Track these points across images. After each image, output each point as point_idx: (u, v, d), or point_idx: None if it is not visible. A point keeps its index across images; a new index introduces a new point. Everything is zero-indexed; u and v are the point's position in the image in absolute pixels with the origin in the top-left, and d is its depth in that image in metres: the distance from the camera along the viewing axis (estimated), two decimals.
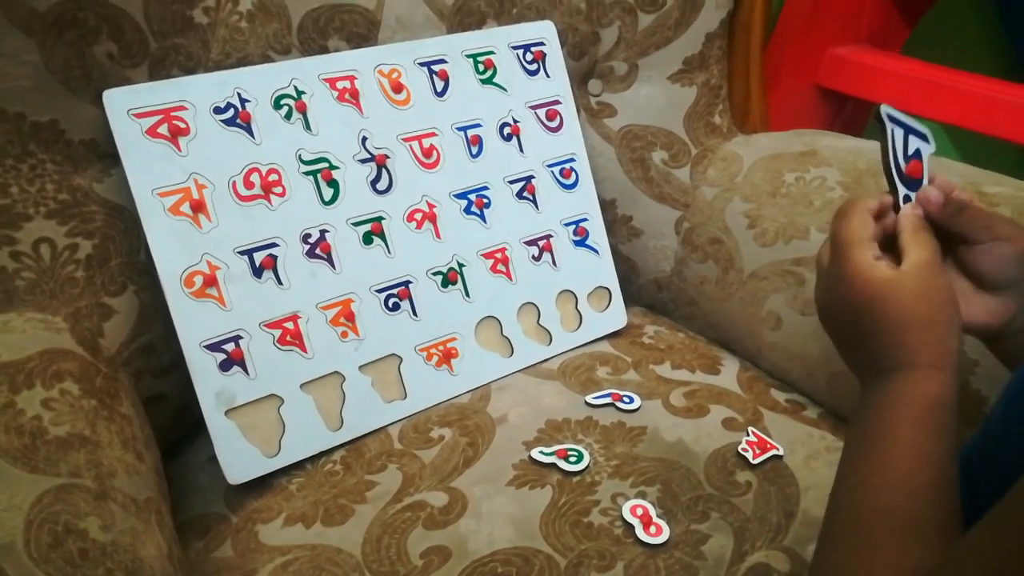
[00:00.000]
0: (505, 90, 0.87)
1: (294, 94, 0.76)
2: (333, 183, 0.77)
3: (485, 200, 0.85)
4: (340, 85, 0.79)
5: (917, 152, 0.43)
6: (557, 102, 0.90)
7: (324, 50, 0.80)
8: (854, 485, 0.40)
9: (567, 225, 0.90)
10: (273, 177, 0.75)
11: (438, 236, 0.82)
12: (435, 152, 0.83)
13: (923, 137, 0.43)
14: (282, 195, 0.75)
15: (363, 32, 0.82)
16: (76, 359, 0.62)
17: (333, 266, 0.77)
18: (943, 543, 0.34)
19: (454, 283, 0.83)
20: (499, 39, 0.87)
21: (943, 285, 0.42)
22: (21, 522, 0.46)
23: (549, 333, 0.88)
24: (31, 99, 0.65)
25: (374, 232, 0.79)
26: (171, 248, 0.70)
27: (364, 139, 0.79)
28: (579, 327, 0.90)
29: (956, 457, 0.39)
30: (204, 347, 0.71)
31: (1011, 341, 0.47)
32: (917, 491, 0.36)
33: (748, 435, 0.73)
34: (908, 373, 0.40)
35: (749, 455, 0.70)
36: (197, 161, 0.72)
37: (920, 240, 0.44)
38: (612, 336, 0.92)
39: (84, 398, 0.59)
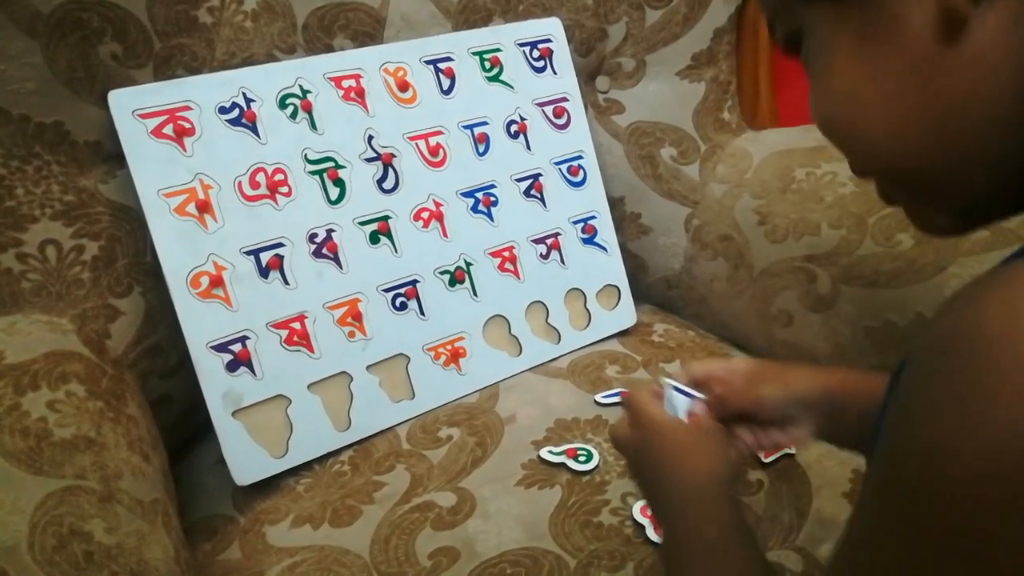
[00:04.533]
0: (512, 87, 0.87)
1: (299, 93, 0.76)
2: (339, 182, 0.77)
3: (492, 198, 0.84)
4: (346, 84, 0.78)
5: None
6: (564, 99, 0.89)
7: (329, 49, 0.80)
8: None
9: (575, 223, 0.89)
10: (279, 177, 0.74)
11: (445, 235, 0.82)
12: (442, 150, 0.82)
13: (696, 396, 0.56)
14: (288, 195, 0.75)
15: (368, 30, 0.81)
16: (82, 361, 0.62)
17: (340, 266, 0.77)
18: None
19: (461, 282, 0.82)
20: (505, 36, 0.87)
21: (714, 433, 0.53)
22: (25, 525, 0.46)
23: (558, 332, 0.87)
24: (36, 101, 0.65)
25: (381, 231, 0.79)
26: (177, 249, 0.70)
27: (370, 138, 0.79)
28: (588, 325, 0.89)
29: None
30: (211, 348, 0.71)
31: (844, 438, 0.57)
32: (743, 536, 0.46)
33: None
34: (696, 479, 0.49)
35: (761, 454, 0.69)
36: (202, 161, 0.72)
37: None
38: (621, 334, 0.91)
39: (90, 400, 0.58)
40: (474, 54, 0.85)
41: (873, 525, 0.29)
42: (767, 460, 0.69)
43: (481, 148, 0.84)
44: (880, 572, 0.29)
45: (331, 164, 0.77)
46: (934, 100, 0.30)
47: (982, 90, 0.29)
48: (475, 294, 0.83)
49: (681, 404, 0.55)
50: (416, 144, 0.81)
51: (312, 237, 0.76)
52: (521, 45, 0.87)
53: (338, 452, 0.75)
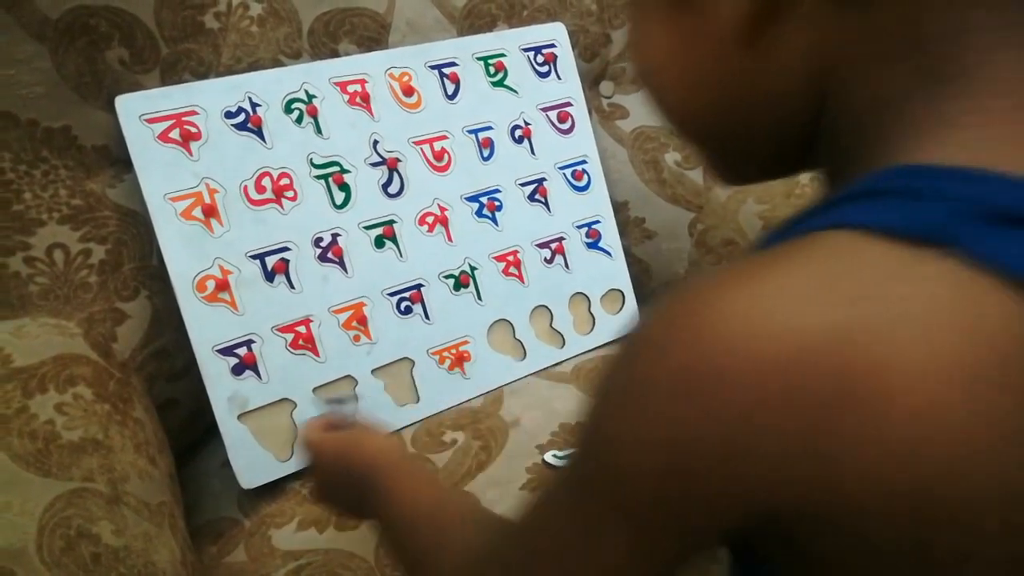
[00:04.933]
0: (516, 92, 0.87)
1: (305, 98, 0.76)
2: (344, 187, 0.77)
3: (497, 203, 0.85)
4: (351, 88, 0.79)
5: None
6: (568, 104, 0.90)
7: (335, 54, 0.80)
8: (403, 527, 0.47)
9: (579, 227, 0.89)
10: (284, 181, 0.75)
11: (450, 239, 0.82)
12: (446, 155, 0.83)
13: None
14: (294, 199, 0.75)
15: (373, 35, 0.82)
16: (89, 364, 0.62)
17: (345, 270, 0.77)
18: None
19: (466, 286, 0.83)
20: (510, 41, 0.87)
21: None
22: (34, 527, 0.46)
23: (562, 336, 0.87)
24: (44, 105, 0.65)
25: (386, 235, 0.79)
26: (183, 253, 0.70)
27: (375, 142, 0.79)
28: (592, 330, 0.89)
29: None
30: (216, 351, 0.71)
31: None
32: (442, 500, 0.47)
33: None
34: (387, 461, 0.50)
35: None
36: (208, 166, 0.72)
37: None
38: None
39: (97, 403, 0.59)
40: (479, 59, 0.85)
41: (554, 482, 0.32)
42: None
43: (486, 153, 0.85)
44: (539, 517, 0.32)
45: (336, 169, 0.77)
46: (727, 84, 0.31)
47: (774, 87, 0.30)
48: (479, 298, 0.83)
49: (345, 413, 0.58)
50: (421, 149, 0.81)
51: (318, 241, 0.76)
52: (525, 50, 0.88)
53: None
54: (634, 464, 0.26)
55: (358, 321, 0.77)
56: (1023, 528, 0.24)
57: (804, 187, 0.86)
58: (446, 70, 0.83)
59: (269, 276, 0.74)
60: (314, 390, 0.74)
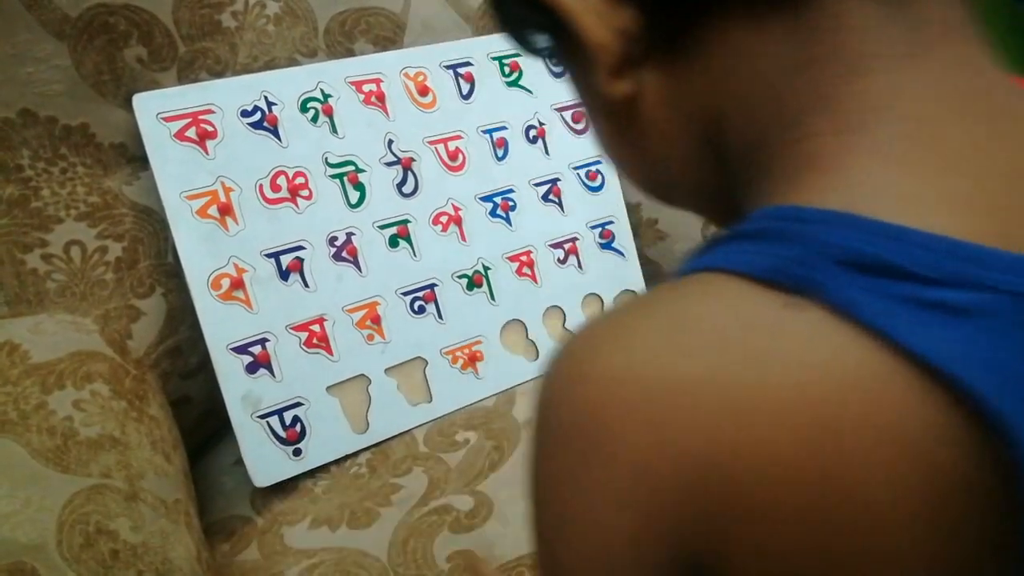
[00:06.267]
0: (531, 92, 0.87)
1: (320, 97, 0.77)
2: (359, 186, 0.77)
3: (511, 203, 0.85)
4: (366, 88, 0.79)
5: None
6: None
7: (350, 53, 0.80)
8: None
9: (593, 228, 0.89)
10: (300, 180, 0.75)
11: (463, 239, 0.82)
12: (461, 155, 0.83)
13: None
14: (308, 198, 0.75)
15: (389, 35, 0.82)
16: (106, 360, 0.62)
17: (359, 269, 0.77)
18: None
19: (479, 286, 0.83)
20: None
21: None
22: (53, 523, 0.47)
23: None
24: (62, 103, 0.66)
25: (400, 235, 0.79)
26: (198, 251, 0.71)
27: (390, 142, 0.79)
28: None
29: None
30: (231, 350, 0.71)
31: None
32: None
33: None
34: None
35: None
36: (224, 164, 0.72)
37: None
38: None
39: (114, 399, 0.59)
40: (494, 59, 0.85)
41: None
42: None
43: (500, 153, 0.85)
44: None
45: (351, 168, 0.77)
46: (644, 157, 0.32)
47: (670, 152, 0.30)
48: (493, 298, 0.83)
49: None
50: (435, 148, 0.81)
51: (332, 240, 0.76)
52: None
53: (356, 454, 0.76)
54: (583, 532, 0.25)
55: (372, 320, 0.77)
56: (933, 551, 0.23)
57: None
58: (461, 70, 0.83)
59: (284, 275, 0.74)
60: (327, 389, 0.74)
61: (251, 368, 0.72)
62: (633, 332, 0.25)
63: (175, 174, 0.70)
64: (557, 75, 0.88)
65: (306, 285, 0.75)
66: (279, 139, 0.75)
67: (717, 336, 0.23)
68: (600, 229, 0.90)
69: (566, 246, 0.88)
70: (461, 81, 0.83)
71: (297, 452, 0.73)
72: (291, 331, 0.74)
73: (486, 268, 0.83)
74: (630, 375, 0.23)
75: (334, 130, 0.77)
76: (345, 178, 0.77)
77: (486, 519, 0.65)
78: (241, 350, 0.72)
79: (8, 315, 0.64)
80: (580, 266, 0.88)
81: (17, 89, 0.64)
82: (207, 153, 0.72)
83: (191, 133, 0.71)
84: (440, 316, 0.81)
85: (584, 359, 0.25)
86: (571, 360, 0.25)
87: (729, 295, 0.24)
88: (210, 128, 0.72)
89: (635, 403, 0.23)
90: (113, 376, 0.61)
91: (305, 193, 0.75)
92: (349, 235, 0.77)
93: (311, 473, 0.74)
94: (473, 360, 0.82)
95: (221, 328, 0.71)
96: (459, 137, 0.83)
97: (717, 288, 0.24)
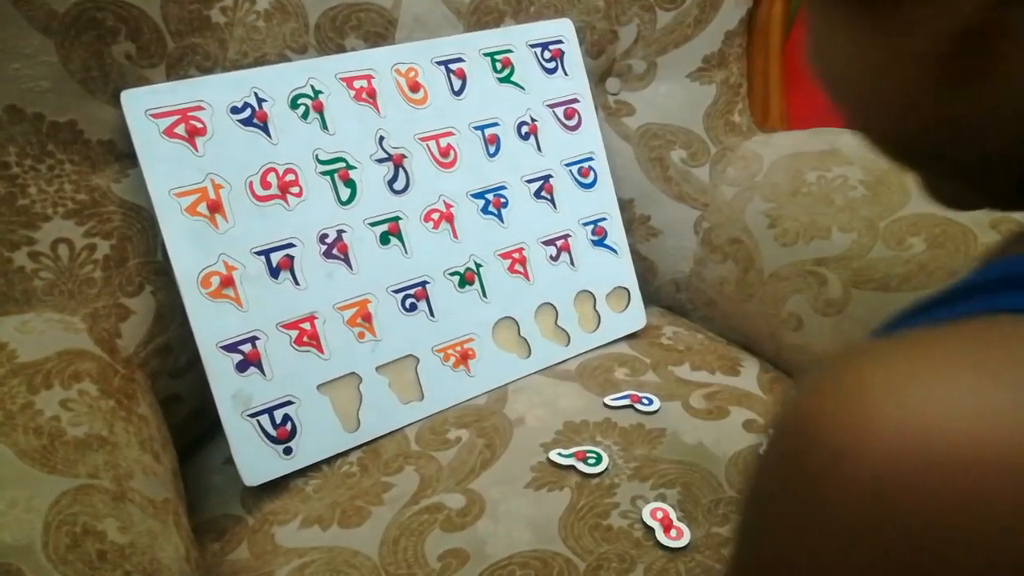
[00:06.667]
0: (523, 89, 0.87)
1: (311, 93, 0.76)
2: (350, 183, 0.77)
3: (502, 200, 0.84)
4: (357, 84, 0.78)
5: None
6: (575, 100, 0.89)
7: (341, 49, 0.80)
8: None
9: (585, 225, 0.89)
10: (290, 177, 0.75)
11: (455, 236, 0.82)
12: (452, 151, 0.82)
13: None
14: (299, 195, 0.75)
15: (380, 31, 0.81)
16: (94, 359, 0.62)
17: (350, 266, 0.77)
18: None
19: (471, 283, 0.82)
20: (517, 37, 0.87)
21: None
22: (40, 523, 0.46)
23: (567, 334, 0.87)
24: (50, 99, 0.65)
25: (391, 232, 0.79)
26: (188, 248, 0.70)
27: (381, 139, 0.79)
28: (597, 328, 0.89)
29: None
30: (221, 348, 0.71)
31: None
32: None
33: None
34: None
35: None
36: (214, 161, 0.72)
37: None
38: (630, 337, 0.91)
39: (102, 399, 0.59)
40: (485, 55, 0.85)
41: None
42: None
43: (492, 149, 0.84)
44: None
45: (342, 165, 0.77)
46: (926, 115, 0.27)
47: (1001, 106, 0.26)
48: (485, 296, 0.83)
49: None
50: (427, 145, 0.81)
51: (323, 238, 0.76)
52: (532, 46, 0.87)
53: (347, 453, 0.75)
54: None
55: (363, 318, 0.77)
56: None
57: (811, 185, 0.85)
58: (452, 66, 0.83)
59: (274, 272, 0.73)
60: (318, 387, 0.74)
61: (241, 366, 0.72)
62: (956, 383, 0.22)
63: (164, 171, 0.70)
64: (550, 72, 0.88)
65: (296, 283, 0.74)
66: (269, 136, 0.74)
67: None
68: (592, 226, 0.90)
69: (558, 243, 0.87)
70: (453, 77, 0.83)
71: (288, 451, 0.72)
72: (281, 329, 0.73)
73: (478, 265, 0.83)
74: (962, 427, 0.21)
75: (325, 127, 0.77)
76: (336, 175, 0.77)
77: (478, 517, 0.65)
78: (231, 348, 0.71)
79: None
80: (572, 263, 0.88)
81: (3, 86, 0.63)
82: (196, 150, 0.71)
83: (180, 130, 0.70)
84: (432, 314, 0.80)
85: (885, 402, 0.22)
86: (861, 400, 0.22)
87: None
88: (199, 125, 0.71)
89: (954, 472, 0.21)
90: (101, 375, 0.61)
91: (295, 190, 0.75)
92: (340, 232, 0.76)
93: (302, 472, 0.73)
94: (465, 358, 0.81)
95: (211, 326, 0.71)
96: (451, 134, 0.82)
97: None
